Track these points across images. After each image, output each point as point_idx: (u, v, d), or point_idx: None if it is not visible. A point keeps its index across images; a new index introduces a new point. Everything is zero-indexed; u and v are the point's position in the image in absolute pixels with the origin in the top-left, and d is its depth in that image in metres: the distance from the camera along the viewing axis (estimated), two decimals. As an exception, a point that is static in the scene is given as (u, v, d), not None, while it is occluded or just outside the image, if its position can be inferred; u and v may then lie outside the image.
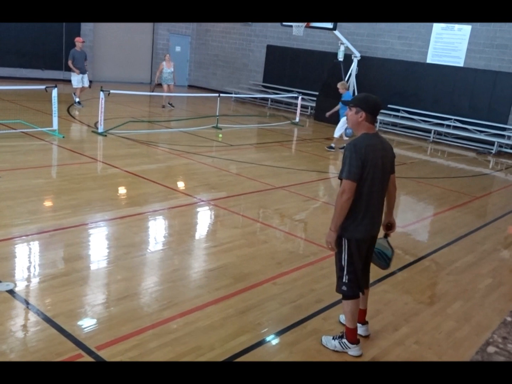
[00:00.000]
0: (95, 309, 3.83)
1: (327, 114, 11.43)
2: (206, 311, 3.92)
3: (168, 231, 5.75)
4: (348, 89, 10.83)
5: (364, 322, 3.83)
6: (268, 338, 3.70)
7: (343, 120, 10.76)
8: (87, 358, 3.20)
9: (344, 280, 3.49)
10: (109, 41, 19.67)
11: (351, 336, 3.55)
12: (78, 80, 13.09)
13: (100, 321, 3.67)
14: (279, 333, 3.77)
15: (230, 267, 4.76)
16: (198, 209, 6.59)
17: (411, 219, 7.21)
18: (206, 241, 5.57)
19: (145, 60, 21.25)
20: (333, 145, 11.19)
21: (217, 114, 12.62)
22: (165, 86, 14.84)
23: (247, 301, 4.15)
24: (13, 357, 3.16)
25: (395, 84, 15.98)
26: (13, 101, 13.00)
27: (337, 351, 3.57)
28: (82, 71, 13.13)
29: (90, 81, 13.79)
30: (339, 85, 10.80)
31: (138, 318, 3.73)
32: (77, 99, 13.27)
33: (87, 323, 3.63)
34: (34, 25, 16.80)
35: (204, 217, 6.40)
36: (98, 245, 5.12)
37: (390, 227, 3.74)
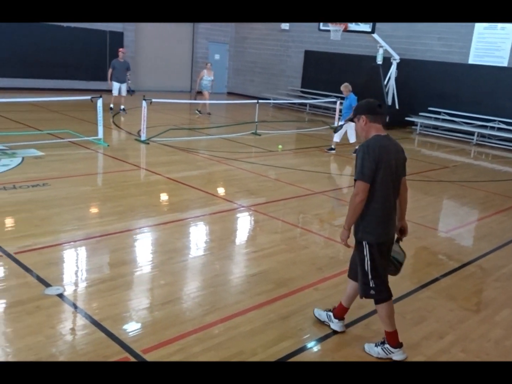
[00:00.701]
0: (139, 313, 3.92)
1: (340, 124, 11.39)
2: (248, 316, 3.96)
3: (209, 236, 5.83)
4: (351, 91, 10.65)
5: (342, 318, 3.85)
6: (310, 344, 3.69)
7: (341, 123, 10.72)
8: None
9: (371, 285, 3.49)
10: (150, 51, 20.14)
11: (392, 340, 3.52)
12: (115, 88, 13.79)
13: (145, 325, 3.76)
14: (321, 339, 3.76)
15: (271, 273, 4.78)
16: (238, 215, 6.66)
17: (455, 223, 7.04)
18: (247, 246, 5.62)
19: (185, 69, 21.64)
20: (333, 146, 11.05)
21: (256, 120, 12.71)
22: (205, 93, 15.11)
23: (288, 306, 4.16)
24: (62, 359, 3.27)
25: (435, 86, 15.66)
26: (60, 111, 13.52)
27: (381, 358, 3.53)
28: (119, 81, 13.73)
29: (133, 90, 14.21)
30: (342, 87, 10.62)
31: (181, 323, 3.80)
32: (111, 105, 13.82)
33: (133, 327, 3.72)
34: (79, 38, 17.46)
35: (244, 223, 6.45)
36: (142, 250, 5.25)
37: (403, 231, 3.69)
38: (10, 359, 3.24)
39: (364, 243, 3.43)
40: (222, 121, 14.83)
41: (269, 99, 18.29)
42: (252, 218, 6.55)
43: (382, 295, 3.51)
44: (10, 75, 16.47)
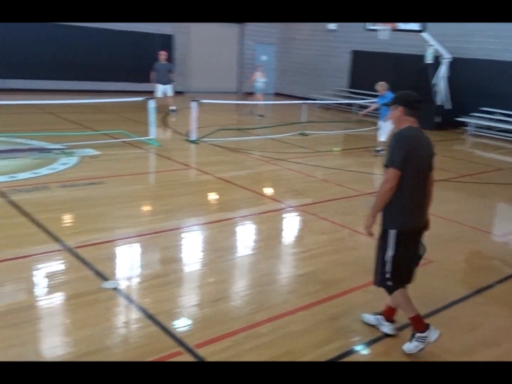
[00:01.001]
0: (190, 309, 4.02)
1: (362, 113, 11.51)
2: (296, 316, 3.97)
3: (257, 236, 5.88)
4: (388, 89, 10.35)
5: (393, 321, 3.78)
6: (359, 347, 3.67)
7: (381, 123, 10.46)
8: (187, 356, 3.37)
9: (388, 276, 3.49)
10: (200, 54, 20.46)
11: (419, 324, 3.48)
12: (160, 90, 14.23)
13: (196, 321, 3.85)
14: (371, 342, 3.72)
15: (318, 273, 4.78)
16: (286, 215, 6.68)
17: (511, 228, 6.79)
18: (294, 246, 5.63)
19: (232, 70, 21.85)
20: (378, 148, 10.73)
21: (303, 120, 12.68)
22: (258, 95, 15.21)
23: (337, 307, 4.15)
24: (116, 351, 3.40)
25: (488, 86, 15.11)
26: (114, 112, 13.98)
27: (422, 349, 3.46)
28: (162, 82, 14.14)
29: (177, 92, 14.51)
30: (378, 86, 10.30)
31: (230, 320, 3.86)
32: (155, 105, 14.18)
33: (184, 323, 3.82)
34: (132, 43, 18.07)
35: (291, 223, 6.47)
36: (192, 248, 5.36)
37: (425, 225, 3.66)
38: (69, 349, 3.39)
39: (390, 232, 3.43)
40: (270, 121, 14.88)
41: (316, 100, 18.18)
42: (300, 218, 6.55)
43: (397, 287, 3.51)
44: (68, 78, 17.23)
